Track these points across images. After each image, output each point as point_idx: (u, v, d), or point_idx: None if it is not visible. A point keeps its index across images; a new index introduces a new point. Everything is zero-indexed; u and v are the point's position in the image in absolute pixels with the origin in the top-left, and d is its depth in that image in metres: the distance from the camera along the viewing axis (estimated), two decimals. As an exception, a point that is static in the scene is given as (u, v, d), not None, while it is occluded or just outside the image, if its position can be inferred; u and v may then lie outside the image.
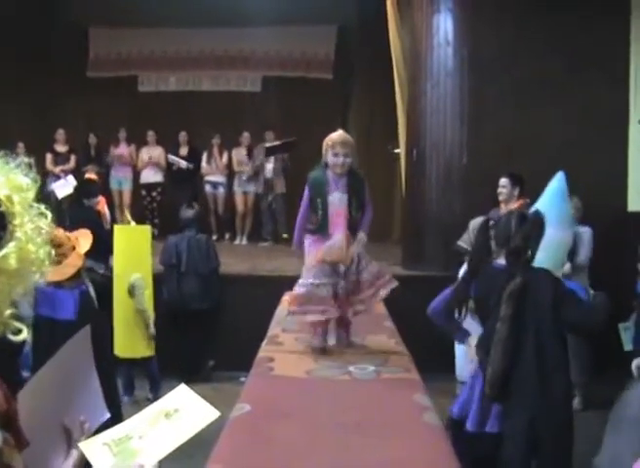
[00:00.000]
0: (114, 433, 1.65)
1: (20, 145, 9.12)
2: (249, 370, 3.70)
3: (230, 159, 10.53)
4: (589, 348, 5.69)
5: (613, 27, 7.01)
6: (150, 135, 10.51)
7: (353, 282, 3.93)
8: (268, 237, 10.23)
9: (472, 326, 3.62)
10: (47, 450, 1.61)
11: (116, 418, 1.84)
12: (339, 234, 3.80)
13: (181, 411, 1.68)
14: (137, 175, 10.60)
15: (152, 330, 6.22)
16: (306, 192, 3.96)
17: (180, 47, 11.93)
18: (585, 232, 5.80)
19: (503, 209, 5.61)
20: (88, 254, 4.25)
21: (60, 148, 10.17)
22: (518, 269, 3.25)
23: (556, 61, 6.98)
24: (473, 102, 7.12)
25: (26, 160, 1.45)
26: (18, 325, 1.42)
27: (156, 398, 6.00)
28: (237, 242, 10.49)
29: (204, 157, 10.51)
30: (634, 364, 4.07)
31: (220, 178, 10.59)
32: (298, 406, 3.13)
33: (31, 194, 1.42)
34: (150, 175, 10.49)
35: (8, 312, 1.39)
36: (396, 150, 8.88)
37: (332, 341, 4.02)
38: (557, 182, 4.55)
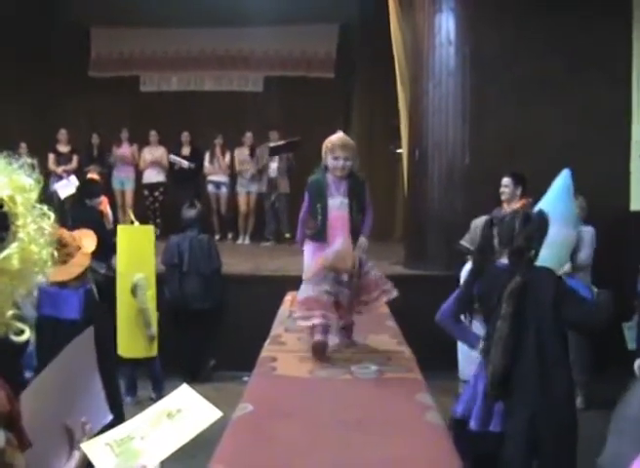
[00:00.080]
0: (116, 433, 1.65)
1: (23, 145, 9.14)
2: (251, 370, 3.70)
3: (233, 159, 10.54)
4: (590, 347, 5.69)
5: (613, 27, 7.01)
6: (152, 135, 10.53)
7: (356, 287, 3.87)
8: (271, 237, 10.24)
9: (481, 329, 3.62)
10: (49, 451, 1.61)
11: (118, 419, 1.85)
12: (340, 239, 3.71)
13: (184, 412, 1.68)
14: (139, 174, 10.62)
15: (152, 330, 6.23)
16: (306, 197, 3.87)
17: (182, 47, 11.94)
18: (588, 232, 5.80)
19: (506, 208, 5.61)
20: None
21: (63, 148, 10.18)
22: (520, 268, 3.26)
23: (557, 61, 6.98)
24: (475, 101, 7.12)
25: (29, 161, 1.45)
26: (20, 325, 1.42)
27: (159, 398, 6.00)
28: (240, 241, 10.51)
29: (206, 157, 10.53)
30: (636, 364, 4.07)
31: (222, 178, 10.61)
32: (300, 405, 3.13)
33: (34, 195, 1.42)
34: (153, 175, 10.50)
35: (10, 313, 1.40)
36: (398, 150, 8.88)
37: (334, 341, 4.00)
38: (563, 180, 4.55)
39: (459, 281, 5.07)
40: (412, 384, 3.42)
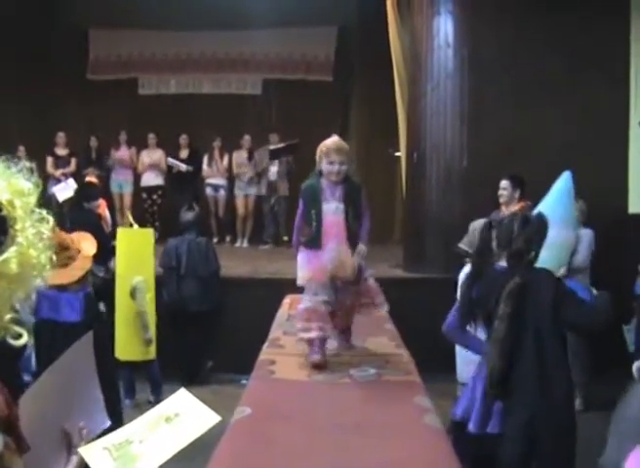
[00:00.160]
0: (114, 437, 1.65)
1: (21, 148, 9.13)
2: (250, 373, 3.70)
3: (231, 162, 10.54)
4: (590, 348, 5.69)
5: (612, 28, 7.01)
6: (151, 137, 10.52)
7: (355, 293, 3.82)
8: (269, 240, 10.24)
9: (484, 335, 3.61)
10: (47, 456, 1.61)
11: (117, 423, 1.85)
12: (334, 246, 3.62)
13: (182, 416, 1.68)
14: (137, 177, 10.61)
15: (149, 334, 6.22)
16: (300, 203, 3.80)
17: (181, 49, 11.94)
18: (586, 234, 5.80)
19: (504, 211, 5.61)
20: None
21: (61, 151, 10.18)
22: (519, 270, 3.26)
23: (556, 62, 6.98)
24: (473, 103, 7.12)
25: (28, 164, 1.45)
26: (18, 329, 1.42)
27: (158, 401, 6.00)
28: (238, 244, 10.51)
29: (205, 160, 10.53)
30: (635, 366, 4.06)
31: (220, 181, 10.61)
32: (299, 409, 3.13)
33: (33, 199, 1.42)
34: (151, 178, 10.49)
35: (8, 316, 1.39)
36: (397, 153, 8.89)
37: (333, 345, 3.99)
38: (564, 182, 4.56)
39: (457, 283, 5.07)
40: (410, 387, 3.42)
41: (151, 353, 6.30)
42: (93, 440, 1.68)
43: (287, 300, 5.37)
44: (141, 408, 5.84)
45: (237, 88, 12.08)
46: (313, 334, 3.67)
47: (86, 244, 4.17)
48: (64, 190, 8.03)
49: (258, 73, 11.97)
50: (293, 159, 9.91)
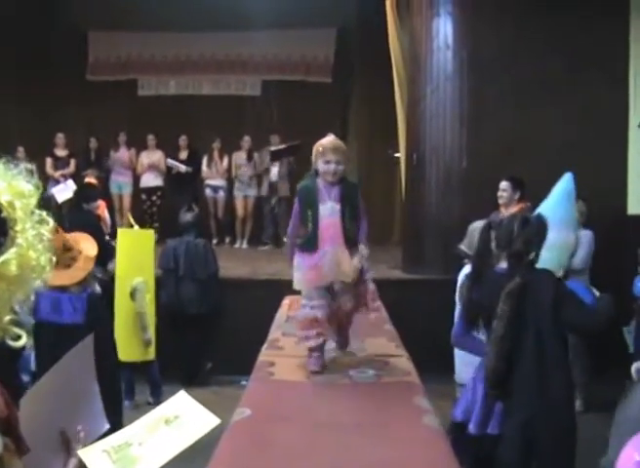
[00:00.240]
0: (114, 440, 1.65)
1: (20, 150, 9.15)
2: (249, 374, 3.70)
3: (231, 163, 10.54)
4: (590, 349, 5.69)
5: (612, 28, 7.02)
6: (150, 139, 10.52)
7: (355, 295, 3.69)
8: (268, 241, 10.25)
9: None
10: (46, 458, 1.61)
11: (116, 426, 1.85)
12: (331, 248, 3.52)
13: (181, 418, 1.68)
14: (137, 179, 10.60)
15: (148, 335, 6.22)
16: (296, 204, 3.68)
17: (180, 51, 11.95)
18: (585, 235, 5.81)
19: (503, 212, 5.61)
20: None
21: (60, 152, 10.18)
22: (520, 271, 3.26)
23: (556, 62, 6.99)
24: (473, 103, 7.13)
25: (29, 166, 1.46)
26: (17, 330, 1.42)
27: (157, 402, 6.01)
28: (237, 246, 10.51)
29: (204, 161, 10.53)
30: (634, 367, 4.06)
31: (220, 182, 10.61)
32: (298, 410, 3.13)
33: (33, 200, 1.42)
34: (150, 180, 10.49)
35: (7, 318, 1.39)
36: (396, 154, 8.90)
37: (331, 346, 3.97)
38: (565, 184, 4.56)
39: (456, 285, 5.07)
40: (409, 388, 3.41)
41: (151, 354, 6.31)
42: (92, 443, 1.68)
43: (286, 301, 5.36)
44: (141, 409, 5.85)
45: (237, 89, 12.09)
46: (312, 343, 3.61)
47: (86, 245, 4.17)
48: (64, 191, 8.03)
49: (257, 74, 11.98)
50: (295, 160, 9.92)
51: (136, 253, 6.37)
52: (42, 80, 10.72)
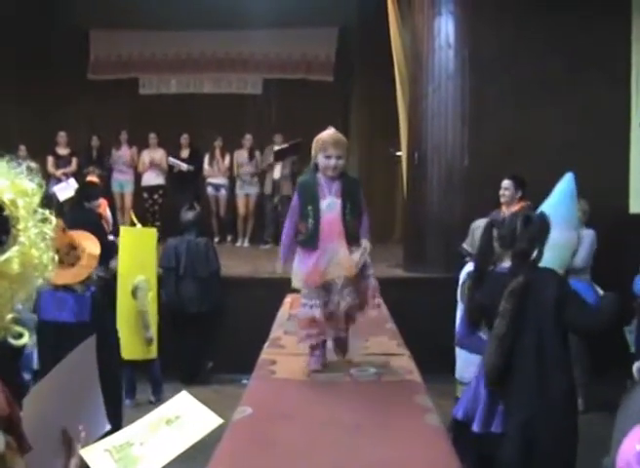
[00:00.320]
0: (115, 439, 1.65)
1: (22, 148, 9.15)
2: (250, 373, 3.70)
3: (232, 161, 10.54)
4: (590, 349, 5.69)
5: (613, 27, 7.02)
6: (152, 137, 10.52)
7: (353, 293, 3.54)
8: (270, 239, 10.25)
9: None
10: (47, 457, 1.61)
11: (117, 425, 1.85)
12: (331, 246, 3.44)
13: (183, 418, 1.68)
14: (138, 177, 10.61)
15: (150, 333, 6.23)
16: (295, 199, 3.56)
17: (181, 49, 11.95)
18: (587, 235, 5.81)
19: (505, 211, 5.61)
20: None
21: (62, 151, 10.18)
22: (523, 270, 3.25)
23: (556, 61, 6.99)
24: (474, 103, 7.13)
25: (33, 165, 1.46)
26: (19, 329, 1.42)
27: (158, 401, 6.03)
28: (239, 244, 10.52)
29: (206, 159, 10.54)
30: (635, 367, 4.06)
31: (221, 181, 10.62)
32: (299, 408, 3.13)
33: (36, 199, 1.42)
34: (152, 178, 10.49)
35: (9, 316, 1.39)
36: (398, 153, 8.89)
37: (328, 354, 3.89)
38: (566, 183, 4.56)
39: (457, 283, 5.08)
40: (411, 386, 3.41)
41: (152, 352, 6.32)
42: (92, 443, 1.68)
43: (288, 300, 5.36)
44: (142, 408, 5.85)
45: (238, 87, 12.09)
46: (311, 342, 3.57)
47: (89, 243, 4.18)
48: (65, 190, 8.03)
49: (258, 73, 11.98)
50: (298, 159, 9.91)
51: (138, 251, 6.38)
52: (42, 80, 10.71)
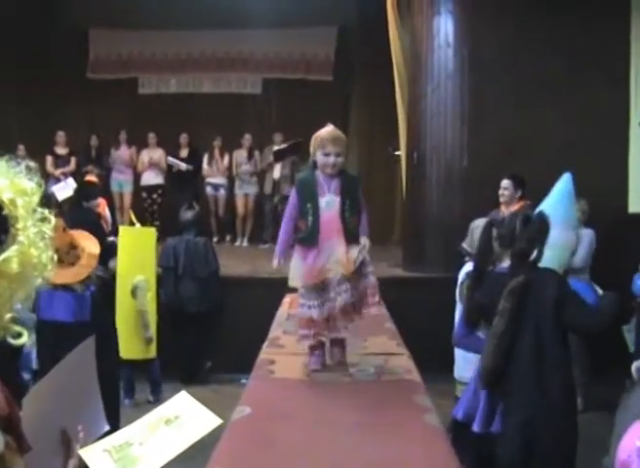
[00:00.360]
0: (114, 439, 1.65)
1: (21, 148, 9.15)
2: (249, 373, 3.70)
3: (231, 161, 10.54)
4: (589, 349, 5.69)
5: (613, 27, 7.02)
6: (151, 137, 10.51)
7: (351, 290, 3.48)
8: (269, 239, 10.24)
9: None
10: (46, 458, 1.60)
11: (114, 425, 1.85)
12: (329, 243, 3.40)
13: (182, 419, 1.67)
14: (137, 177, 10.60)
15: (149, 333, 6.23)
16: (294, 197, 3.53)
17: (181, 49, 11.94)
18: (587, 234, 5.81)
19: (504, 210, 5.61)
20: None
21: (61, 151, 10.18)
22: (523, 270, 3.24)
23: (556, 62, 6.99)
24: (473, 103, 7.13)
25: (32, 164, 1.45)
26: (18, 328, 1.42)
27: (157, 401, 6.02)
28: (238, 244, 10.52)
29: (205, 159, 10.54)
30: (634, 366, 4.06)
31: (220, 180, 10.62)
32: (298, 408, 3.13)
33: (36, 198, 1.42)
34: (151, 178, 10.49)
35: (8, 316, 1.39)
36: (397, 152, 8.89)
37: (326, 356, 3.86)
38: (564, 184, 4.55)
39: (457, 283, 5.07)
40: (410, 386, 3.42)
41: (152, 352, 6.31)
42: (91, 443, 1.68)
43: (287, 299, 5.36)
44: (141, 407, 5.85)
45: (237, 87, 12.08)
46: (309, 343, 3.55)
47: (88, 242, 4.18)
48: (64, 189, 8.03)
49: (258, 72, 11.98)
50: (298, 160, 9.90)
51: (137, 250, 6.38)
52: (42, 79, 10.70)
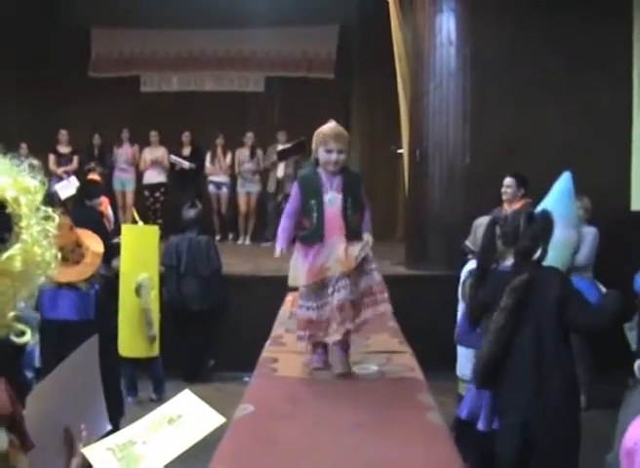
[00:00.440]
0: (118, 438, 1.65)
1: (23, 146, 9.15)
2: (252, 371, 3.70)
3: (234, 159, 10.54)
4: (591, 347, 5.69)
5: (614, 27, 7.01)
6: (153, 135, 10.51)
7: (353, 283, 3.40)
8: (271, 237, 10.24)
9: None
10: (49, 456, 1.61)
11: (116, 423, 1.85)
12: (331, 240, 3.36)
13: (185, 417, 1.67)
14: (140, 175, 10.60)
15: (153, 331, 6.23)
16: (296, 193, 3.46)
17: (183, 47, 11.95)
18: (589, 232, 5.80)
19: (507, 208, 5.61)
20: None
21: (63, 149, 10.18)
22: (527, 269, 3.23)
23: (556, 61, 6.99)
24: (475, 102, 7.13)
25: (35, 162, 1.45)
26: (21, 327, 1.42)
27: (160, 399, 6.03)
28: (240, 242, 10.52)
29: (207, 157, 10.53)
30: (636, 364, 4.06)
31: (223, 179, 10.62)
32: (301, 406, 3.13)
33: (39, 197, 1.42)
34: (153, 176, 10.49)
35: (12, 314, 1.39)
36: (399, 150, 8.89)
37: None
38: (564, 182, 4.56)
39: (459, 281, 5.07)
40: (413, 384, 3.41)
41: (155, 350, 6.32)
42: (94, 442, 1.68)
43: (289, 298, 5.35)
44: (144, 405, 5.85)
45: (239, 85, 12.09)
46: (308, 343, 3.52)
47: (92, 241, 4.18)
48: (66, 188, 8.03)
49: (260, 71, 11.98)
50: (302, 159, 9.90)
51: (140, 249, 6.38)
52: (43, 79, 10.71)
